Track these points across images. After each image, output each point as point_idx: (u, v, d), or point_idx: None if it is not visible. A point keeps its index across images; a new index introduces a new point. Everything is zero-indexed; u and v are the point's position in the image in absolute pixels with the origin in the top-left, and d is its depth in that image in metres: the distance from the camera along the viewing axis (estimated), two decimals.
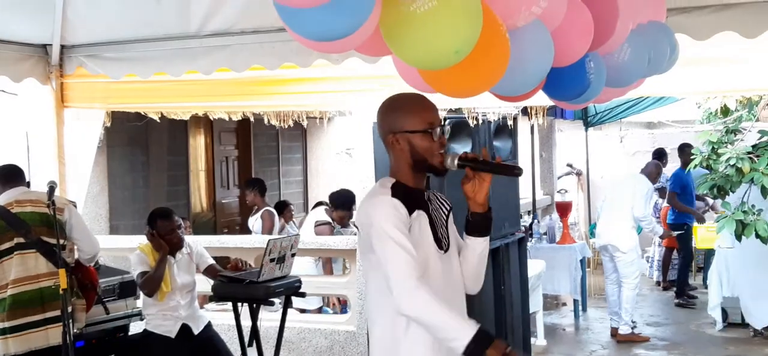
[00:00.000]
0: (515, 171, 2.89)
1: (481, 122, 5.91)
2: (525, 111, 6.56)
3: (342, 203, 8.32)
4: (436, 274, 2.69)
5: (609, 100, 3.59)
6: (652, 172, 8.54)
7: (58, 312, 4.31)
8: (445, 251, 2.75)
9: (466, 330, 2.48)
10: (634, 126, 15.02)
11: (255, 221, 8.63)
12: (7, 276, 4.44)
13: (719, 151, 6.58)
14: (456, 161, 2.67)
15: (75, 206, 4.85)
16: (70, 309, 4.37)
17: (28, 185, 4.75)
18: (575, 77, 2.76)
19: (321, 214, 8.31)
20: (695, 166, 7.09)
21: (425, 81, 2.52)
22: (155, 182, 9.71)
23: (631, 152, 13.98)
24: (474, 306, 5.62)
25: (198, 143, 10.71)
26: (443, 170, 2.70)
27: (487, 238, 2.83)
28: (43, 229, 4.46)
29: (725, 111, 6.90)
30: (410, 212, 2.64)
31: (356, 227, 2.76)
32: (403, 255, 2.54)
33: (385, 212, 2.59)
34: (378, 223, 2.59)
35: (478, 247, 2.81)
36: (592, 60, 2.78)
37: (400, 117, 2.70)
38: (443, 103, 5.81)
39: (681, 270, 10.06)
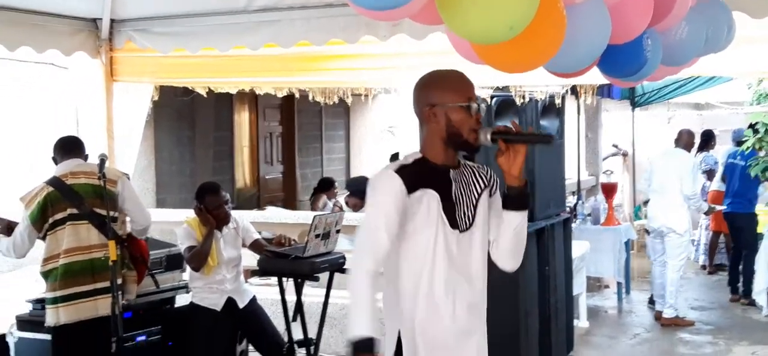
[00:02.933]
0: (547, 139, 2.86)
1: (528, 100, 5.84)
2: (572, 90, 6.47)
3: (359, 190, 8.18)
4: (442, 255, 2.70)
5: (662, 78, 3.52)
6: (687, 142, 8.21)
7: (108, 283, 4.36)
8: (463, 231, 2.75)
9: (357, 328, 2.58)
10: (682, 107, 14.78)
11: None
12: (60, 245, 4.50)
13: None
14: (489, 136, 2.66)
15: (128, 179, 4.89)
16: (119, 280, 4.44)
17: (86, 158, 4.79)
18: (632, 55, 2.71)
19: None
20: (748, 148, 6.94)
21: (477, 54, 2.49)
22: (201, 157, 9.80)
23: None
24: (519, 286, 5.67)
25: (243, 119, 10.78)
26: (476, 146, 2.70)
27: (525, 213, 2.79)
28: (97, 201, 4.52)
29: None
30: (413, 190, 2.65)
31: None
32: (371, 236, 2.64)
33: (378, 193, 2.68)
34: (369, 196, 2.70)
35: (514, 221, 2.77)
36: (650, 37, 2.72)
37: (439, 90, 2.71)
38: (490, 80, 5.80)
39: (746, 265, 8.91)
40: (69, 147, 4.75)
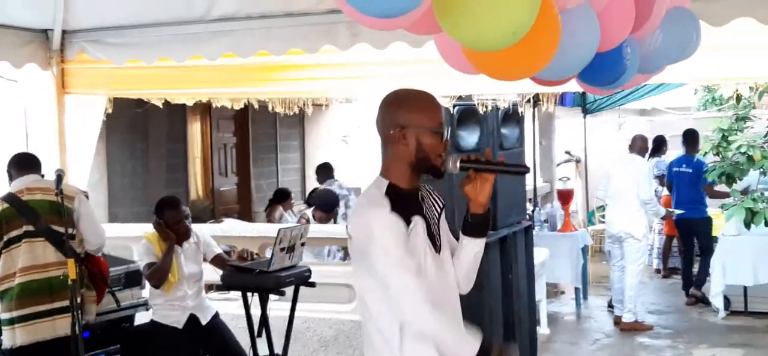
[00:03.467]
0: (521, 170, 2.85)
1: (490, 109, 5.84)
2: (532, 98, 6.50)
3: (324, 204, 8.10)
4: (431, 278, 2.61)
5: (634, 86, 3.54)
6: (641, 147, 8.34)
7: (66, 303, 4.23)
8: (439, 253, 2.68)
9: (469, 347, 2.52)
10: (632, 113, 15.00)
11: None
12: (16, 263, 4.37)
13: (730, 138, 6.55)
14: (458, 164, 2.58)
15: (87, 197, 4.76)
16: (79, 300, 4.30)
17: (42, 175, 4.65)
18: (612, 63, 2.69)
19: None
20: (705, 154, 7.06)
21: (471, 62, 2.44)
22: (154, 170, 9.63)
23: (629, 140, 13.93)
24: (482, 294, 5.64)
25: (196, 131, 10.62)
26: (442, 172, 2.62)
27: (482, 240, 2.74)
28: (53, 217, 4.38)
29: (738, 98, 6.85)
30: (408, 221, 2.57)
31: (349, 235, 2.66)
32: (412, 281, 2.51)
33: (387, 232, 2.51)
34: (380, 243, 2.52)
35: (475, 248, 2.72)
36: (629, 45, 2.71)
37: (410, 112, 2.60)
38: (452, 89, 5.79)
39: (702, 267, 9.12)
40: (25, 163, 4.62)
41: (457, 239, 2.79)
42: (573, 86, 3.74)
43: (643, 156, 8.22)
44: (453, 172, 2.63)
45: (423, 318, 2.52)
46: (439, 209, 2.74)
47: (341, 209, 8.77)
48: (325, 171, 9.61)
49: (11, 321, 4.35)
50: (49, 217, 4.40)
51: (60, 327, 4.34)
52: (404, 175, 2.62)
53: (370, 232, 2.53)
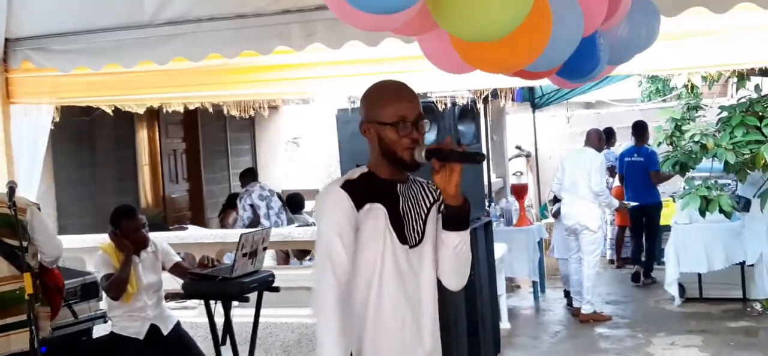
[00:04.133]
0: (477, 158, 2.79)
1: (448, 106, 5.82)
2: (491, 94, 6.51)
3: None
4: (390, 270, 2.61)
5: (601, 77, 3.53)
6: (595, 140, 8.42)
7: (21, 317, 4.10)
8: (413, 246, 2.66)
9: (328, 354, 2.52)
10: (580, 106, 15.17)
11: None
12: None
13: (683, 128, 6.63)
14: (423, 154, 2.59)
15: (39, 209, 4.59)
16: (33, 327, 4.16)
17: None
18: (587, 54, 2.68)
19: None
20: (659, 143, 7.14)
21: (464, 57, 2.39)
22: (102, 179, 9.44)
23: (578, 132, 14.07)
24: (446, 292, 5.62)
25: (144, 137, 10.43)
26: (413, 164, 2.62)
27: (462, 233, 2.68)
28: (6, 231, 4.23)
29: (692, 88, 6.94)
30: (361, 205, 2.58)
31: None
32: (329, 253, 2.56)
33: (328, 209, 2.60)
34: (319, 218, 2.64)
35: (452, 242, 2.67)
36: (601, 36, 2.70)
37: (373, 107, 2.65)
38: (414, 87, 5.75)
39: (650, 249, 9.71)
40: None
41: None
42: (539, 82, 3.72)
43: (599, 149, 8.29)
44: (421, 163, 2.62)
45: (316, 291, 2.57)
46: (430, 202, 2.72)
47: (263, 211, 8.93)
48: (248, 175, 9.57)
49: None
50: (1, 230, 4.24)
51: (15, 342, 4.19)
52: (383, 166, 2.66)
53: (318, 207, 2.67)
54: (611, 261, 11.05)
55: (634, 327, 7.71)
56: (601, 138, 8.63)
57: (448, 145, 2.60)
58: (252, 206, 8.95)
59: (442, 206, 2.68)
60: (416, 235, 2.67)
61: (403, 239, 2.64)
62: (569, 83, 3.10)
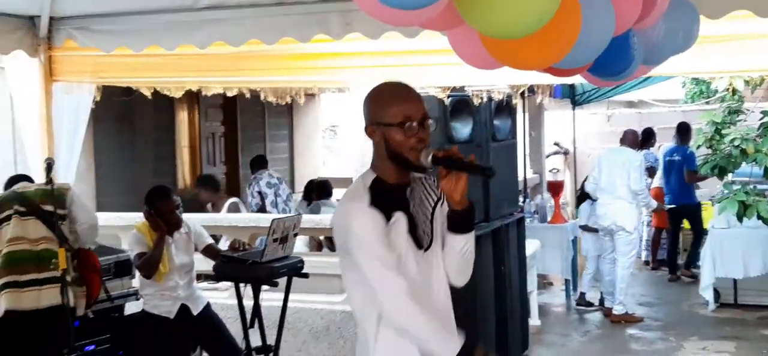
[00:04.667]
0: (486, 172, 2.73)
1: (484, 100, 5.80)
2: (528, 90, 6.48)
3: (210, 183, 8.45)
4: (411, 276, 2.58)
5: (637, 78, 3.50)
6: (632, 141, 8.37)
7: (53, 273, 4.27)
8: (426, 250, 2.65)
9: (448, 345, 2.50)
10: (621, 105, 15.00)
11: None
12: (3, 239, 4.41)
13: (723, 131, 6.54)
14: (430, 158, 2.55)
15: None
16: (69, 278, 4.33)
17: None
18: (620, 53, 2.65)
19: None
20: (698, 146, 7.06)
21: (491, 53, 2.38)
22: (142, 159, 9.55)
23: (618, 132, 13.90)
24: (475, 286, 5.62)
25: (184, 119, 10.53)
26: (420, 166, 2.58)
27: (470, 235, 2.69)
28: (45, 200, 4.46)
29: (734, 92, 6.84)
30: (389, 218, 2.55)
31: (332, 227, 2.68)
32: (391, 274, 2.50)
33: (364, 228, 2.52)
34: (358, 237, 2.53)
35: (458, 245, 2.67)
36: (635, 35, 2.67)
37: (378, 108, 2.61)
38: (445, 80, 5.74)
39: (695, 246, 9.77)
40: (18, 179, 4.76)
41: None
42: (570, 78, 3.71)
43: (635, 148, 8.22)
44: (427, 166, 2.58)
45: (400, 312, 2.52)
46: (433, 201, 2.70)
47: (270, 198, 9.04)
48: (257, 163, 9.64)
49: None
50: (40, 199, 4.42)
51: (45, 297, 4.33)
52: (388, 169, 2.61)
53: (349, 226, 2.53)
54: (646, 263, 10.94)
55: (666, 329, 7.64)
56: (637, 138, 8.58)
57: (455, 154, 2.57)
58: (260, 193, 9.03)
59: (448, 211, 2.66)
60: (427, 237, 2.66)
61: (418, 243, 2.63)
62: (604, 81, 3.07)
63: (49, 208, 4.37)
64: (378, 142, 2.59)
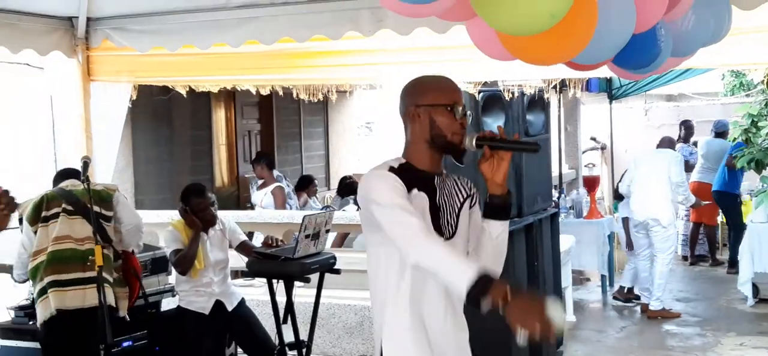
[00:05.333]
0: (532, 147, 2.77)
1: (518, 95, 5.78)
2: (558, 84, 6.43)
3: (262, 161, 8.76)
4: None
5: (666, 70, 3.47)
6: (668, 145, 8.35)
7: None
8: (447, 239, 2.65)
9: (467, 274, 2.34)
10: (658, 99, 14.85)
11: (264, 196, 8.55)
12: (50, 237, 4.43)
13: (759, 124, 6.44)
14: (474, 141, 2.59)
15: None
16: (112, 299, 4.37)
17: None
18: (647, 45, 2.64)
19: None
20: (734, 139, 6.96)
21: (507, 48, 2.39)
22: (179, 157, 9.66)
23: (656, 125, 13.81)
24: (509, 281, 5.60)
25: (220, 117, 10.63)
26: (462, 149, 2.62)
27: (506, 223, 2.71)
28: (95, 201, 4.45)
29: None
30: (409, 190, 2.57)
31: (357, 205, 2.71)
32: (409, 217, 2.47)
33: (384, 184, 2.54)
34: (378, 194, 2.54)
35: (495, 230, 2.69)
36: (662, 27, 2.66)
37: (424, 91, 2.66)
38: (477, 75, 5.73)
39: (734, 244, 9.67)
40: (68, 173, 4.77)
41: None
42: (602, 71, 3.68)
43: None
44: (470, 149, 2.62)
45: (418, 247, 2.45)
46: (462, 197, 2.72)
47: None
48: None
49: (43, 291, 4.38)
50: (88, 198, 4.45)
51: (89, 296, 4.35)
52: (423, 155, 2.65)
53: (369, 188, 2.56)
54: (684, 258, 10.81)
55: (703, 325, 7.55)
56: (674, 144, 8.51)
57: (501, 134, 2.62)
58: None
59: (487, 196, 2.68)
60: (450, 228, 2.68)
61: (439, 231, 2.63)
62: (632, 74, 3.05)
63: (96, 208, 4.41)
64: (421, 124, 2.62)
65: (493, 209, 2.68)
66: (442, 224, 2.65)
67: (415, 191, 2.58)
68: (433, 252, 2.43)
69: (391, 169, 2.60)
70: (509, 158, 2.58)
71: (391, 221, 2.50)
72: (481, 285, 2.29)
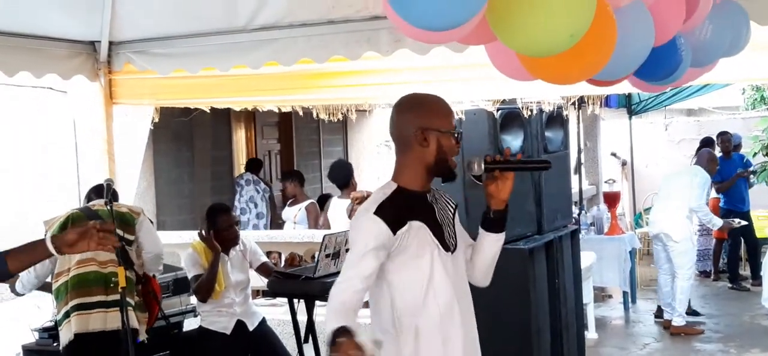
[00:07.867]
0: (542, 166, 2.88)
1: (536, 112, 5.79)
2: (577, 101, 6.42)
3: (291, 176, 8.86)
4: (442, 278, 2.68)
5: (687, 82, 3.48)
6: (705, 161, 8.23)
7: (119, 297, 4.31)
8: (452, 252, 2.75)
9: (332, 326, 2.51)
10: (679, 113, 14.79)
11: (298, 212, 8.56)
12: (73, 259, 4.46)
13: None
14: (483, 165, 2.67)
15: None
16: (134, 320, 4.41)
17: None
18: (668, 56, 2.66)
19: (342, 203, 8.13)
20: (755, 154, 6.92)
21: (528, 69, 2.42)
22: (200, 177, 9.73)
23: (676, 140, 13.73)
24: (529, 299, 5.60)
25: (241, 138, 10.71)
26: (454, 173, 2.73)
27: (501, 235, 2.85)
28: (118, 224, 4.47)
29: None
30: (400, 226, 2.61)
31: None
32: (353, 279, 2.58)
33: (362, 236, 2.61)
34: (353, 241, 2.67)
35: (496, 243, 2.84)
36: (682, 37, 2.68)
37: (431, 115, 2.69)
38: (495, 93, 5.75)
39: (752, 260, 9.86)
40: (100, 191, 4.75)
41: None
42: (622, 87, 3.69)
43: (709, 172, 8.05)
44: (477, 173, 2.71)
45: (336, 291, 2.60)
46: (452, 209, 2.83)
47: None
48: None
49: (67, 315, 4.42)
50: (112, 221, 4.49)
51: (111, 319, 4.39)
52: (418, 177, 2.71)
53: (351, 231, 2.70)
54: (706, 273, 10.72)
55: (726, 341, 7.49)
56: (715, 162, 8.36)
57: (506, 156, 2.73)
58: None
59: (489, 211, 2.78)
60: (452, 240, 2.77)
61: (446, 247, 2.73)
62: (652, 86, 3.06)
63: (119, 232, 4.45)
64: (427, 148, 2.66)
65: (494, 224, 2.80)
66: (446, 239, 2.73)
67: (408, 224, 2.62)
68: (334, 300, 2.58)
69: (380, 207, 2.62)
70: (513, 176, 2.68)
71: (346, 266, 2.64)
72: (334, 337, 2.46)
